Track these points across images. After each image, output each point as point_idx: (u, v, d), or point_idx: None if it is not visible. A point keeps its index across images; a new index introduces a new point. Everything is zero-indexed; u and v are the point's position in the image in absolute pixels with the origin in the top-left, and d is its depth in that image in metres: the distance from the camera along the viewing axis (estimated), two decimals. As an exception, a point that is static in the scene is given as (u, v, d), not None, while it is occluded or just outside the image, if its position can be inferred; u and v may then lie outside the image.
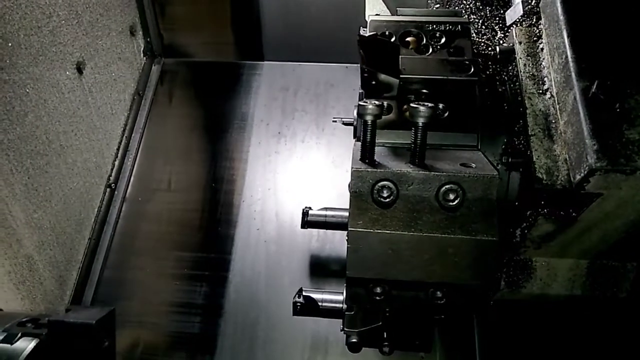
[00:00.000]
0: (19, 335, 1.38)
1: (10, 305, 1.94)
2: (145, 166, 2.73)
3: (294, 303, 1.60)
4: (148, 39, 2.95)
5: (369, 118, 1.18)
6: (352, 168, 1.18)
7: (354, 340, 1.46)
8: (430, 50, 1.45)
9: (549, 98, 1.38)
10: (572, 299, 1.55)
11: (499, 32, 1.63)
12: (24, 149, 1.95)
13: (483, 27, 1.65)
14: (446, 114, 1.36)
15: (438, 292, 1.20)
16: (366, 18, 1.60)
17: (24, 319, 1.46)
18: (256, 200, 2.57)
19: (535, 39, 1.48)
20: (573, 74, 1.25)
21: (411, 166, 1.18)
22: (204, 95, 2.97)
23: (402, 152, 1.28)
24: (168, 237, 2.51)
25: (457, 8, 1.70)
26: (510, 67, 1.50)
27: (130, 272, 2.44)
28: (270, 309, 2.29)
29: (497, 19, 1.66)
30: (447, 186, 1.14)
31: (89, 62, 2.36)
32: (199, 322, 2.30)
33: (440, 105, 1.36)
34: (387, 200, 1.15)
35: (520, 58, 1.46)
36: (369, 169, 1.17)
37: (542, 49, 1.45)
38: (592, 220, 1.32)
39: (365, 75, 1.40)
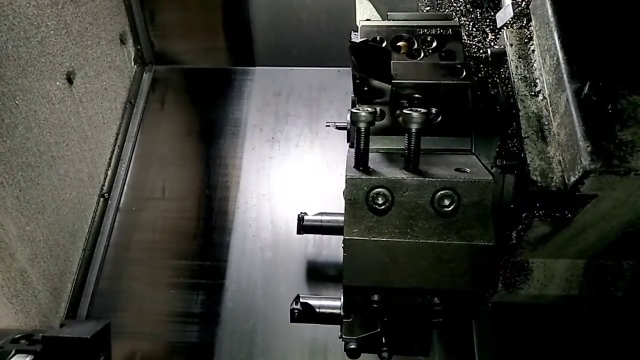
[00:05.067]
0: (13, 352, 1.36)
1: (4, 320, 1.92)
2: (139, 175, 2.71)
3: (292, 310, 1.59)
4: (138, 47, 2.94)
5: (362, 125, 1.17)
6: (346, 176, 1.17)
7: (352, 346, 1.45)
8: (422, 54, 1.45)
9: (542, 100, 1.38)
10: (570, 299, 1.55)
11: (490, 34, 1.63)
12: (14, 161, 1.93)
13: (474, 29, 1.65)
14: (439, 119, 1.36)
15: (435, 298, 1.20)
16: (357, 23, 1.59)
17: (17, 335, 1.44)
18: (251, 206, 2.56)
19: (526, 40, 1.48)
20: (565, 76, 1.25)
21: (405, 172, 1.17)
22: (196, 102, 2.95)
23: (396, 158, 1.27)
24: (163, 246, 2.49)
25: (447, 11, 1.70)
26: (502, 70, 1.50)
27: (125, 282, 2.42)
28: (267, 316, 2.27)
29: (488, 21, 1.66)
30: (442, 192, 1.13)
31: (79, 71, 2.34)
32: (197, 331, 2.28)
33: (433, 110, 1.36)
34: (382, 207, 1.15)
35: (512, 60, 1.46)
36: (364, 176, 1.16)
37: (533, 51, 1.45)
38: (588, 221, 1.32)
39: (357, 81, 1.39)
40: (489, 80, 1.50)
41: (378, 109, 1.32)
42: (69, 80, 2.26)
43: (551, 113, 1.33)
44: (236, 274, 2.39)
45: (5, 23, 1.84)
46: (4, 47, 1.84)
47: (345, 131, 1.79)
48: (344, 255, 1.17)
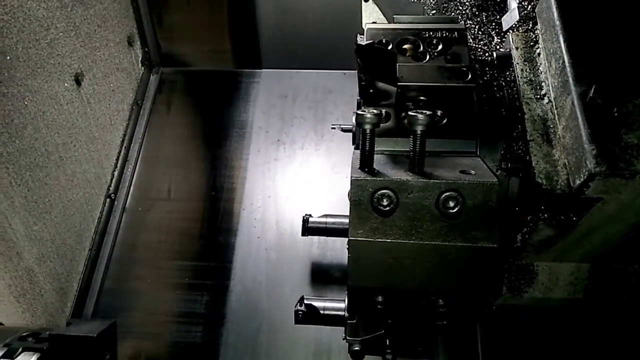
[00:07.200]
0: (20, 349, 1.37)
1: (10, 319, 1.94)
2: (145, 176, 2.73)
3: (296, 311, 1.59)
4: (146, 49, 2.96)
5: (367, 127, 1.18)
6: (351, 177, 1.17)
7: (356, 348, 1.45)
8: (428, 57, 1.45)
9: (547, 103, 1.38)
10: (575, 303, 1.55)
11: (495, 37, 1.63)
12: (23, 161, 1.95)
13: (480, 32, 1.66)
14: (444, 121, 1.36)
15: (440, 300, 1.20)
16: (363, 26, 1.60)
17: (24, 333, 1.45)
18: (256, 208, 2.57)
19: (532, 44, 1.48)
20: (570, 79, 1.25)
21: (410, 174, 1.17)
22: (202, 104, 2.97)
23: (401, 160, 1.28)
24: (168, 247, 2.50)
25: (453, 14, 1.70)
26: (507, 73, 1.50)
27: (131, 282, 2.44)
28: (272, 317, 2.28)
29: (494, 24, 1.66)
30: (446, 194, 1.13)
31: (87, 73, 2.36)
32: (201, 332, 2.29)
33: (439, 112, 1.36)
34: (387, 208, 1.15)
35: (518, 63, 1.46)
36: (369, 178, 1.17)
37: (539, 54, 1.45)
38: (593, 224, 1.32)
39: (363, 83, 1.40)
40: (495, 83, 1.50)
41: (383, 111, 1.33)
42: (77, 81, 2.29)
43: (556, 116, 1.33)
44: (241, 275, 2.39)
45: (15, 25, 1.87)
46: (14, 49, 1.87)
47: (351, 134, 1.80)
48: (348, 256, 1.17)
